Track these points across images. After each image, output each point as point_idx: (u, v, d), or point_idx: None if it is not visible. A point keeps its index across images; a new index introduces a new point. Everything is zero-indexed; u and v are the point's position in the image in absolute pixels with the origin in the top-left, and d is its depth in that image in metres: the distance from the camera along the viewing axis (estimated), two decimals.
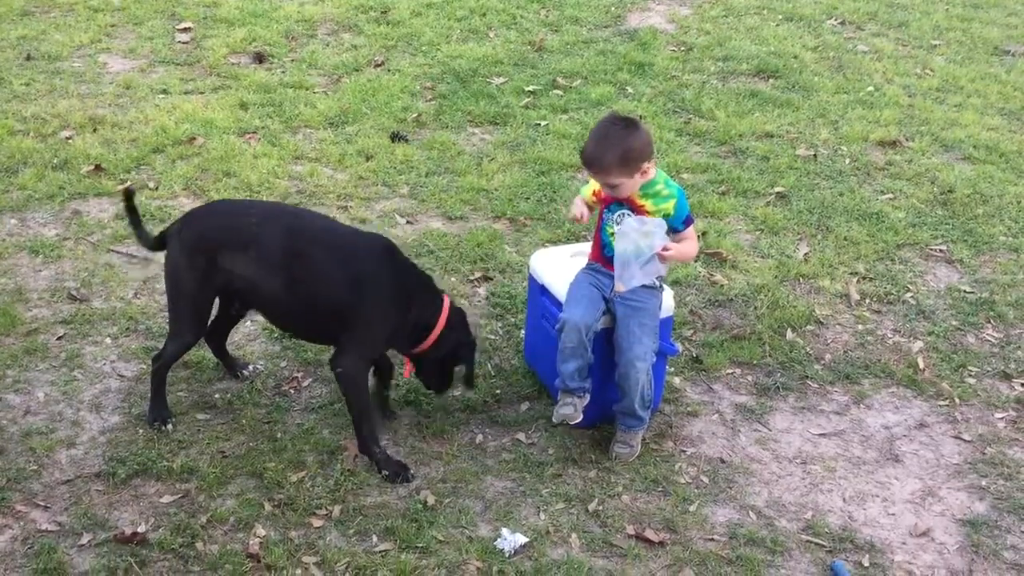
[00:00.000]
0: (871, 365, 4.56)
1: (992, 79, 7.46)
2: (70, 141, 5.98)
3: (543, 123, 6.47)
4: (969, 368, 4.57)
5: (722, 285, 5.00)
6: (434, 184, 5.74)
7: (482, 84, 6.94)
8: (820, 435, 4.17)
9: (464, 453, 3.95)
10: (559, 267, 4.13)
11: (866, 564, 3.58)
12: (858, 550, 3.64)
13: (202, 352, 4.33)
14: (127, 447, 3.87)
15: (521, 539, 3.55)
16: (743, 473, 3.95)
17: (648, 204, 3.79)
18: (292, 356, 4.42)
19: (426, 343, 3.96)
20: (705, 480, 3.89)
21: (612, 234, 3.81)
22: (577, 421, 3.92)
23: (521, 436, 4.05)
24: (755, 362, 4.53)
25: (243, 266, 3.78)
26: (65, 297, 4.68)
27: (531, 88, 6.93)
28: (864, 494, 3.89)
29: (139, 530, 3.49)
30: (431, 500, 3.69)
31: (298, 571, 3.40)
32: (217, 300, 3.97)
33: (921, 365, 4.56)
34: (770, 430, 4.18)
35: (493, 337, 4.58)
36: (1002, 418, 4.31)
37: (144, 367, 4.23)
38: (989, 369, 4.58)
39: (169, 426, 3.96)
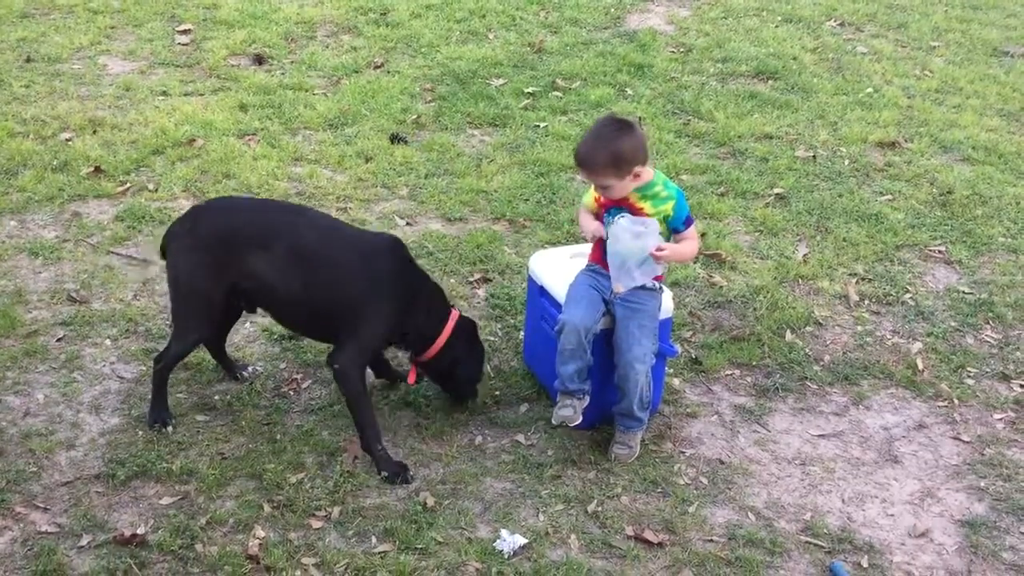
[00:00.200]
0: (870, 366, 4.56)
1: (991, 80, 7.47)
2: (70, 143, 5.98)
3: (542, 124, 6.48)
4: (968, 369, 4.57)
5: (721, 286, 5.01)
6: (433, 186, 5.74)
7: (481, 86, 6.95)
8: (819, 436, 4.18)
9: (463, 454, 3.96)
10: (558, 268, 4.13)
11: (865, 565, 3.58)
12: (857, 551, 3.64)
13: (201, 354, 4.33)
14: (127, 449, 3.87)
15: (520, 540, 3.55)
16: (742, 474, 3.95)
17: (647, 206, 3.79)
18: (291, 358, 4.42)
19: (429, 352, 3.98)
20: (704, 481, 3.90)
21: None
22: (576, 423, 3.92)
23: (520, 437, 4.06)
24: (754, 363, 4.54)
25: (256, 263, 3.79)
26: (65, 299, 4.69)
27: (530, 90, 6.94)
28: (863, 495, 3.89)
29: (139, 532, 3.50)
30: (430, 501, 3.70)
31: (297, 572, 3.40)
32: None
33: (920, 366, 4.56)
34: (769, 431, 4.19)
35: (492, 338, 4.58)
36: (1001, 419, 4.31)
37: (144, 369, 4.23)
38: (988, 370, 4.58)
39: (169, 428, 3.96)
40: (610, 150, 3.68)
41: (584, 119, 6.50)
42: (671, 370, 4.41)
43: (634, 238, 3.72)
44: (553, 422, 3.96)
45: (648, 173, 3.80)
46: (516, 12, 8.26)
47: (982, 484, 3.97)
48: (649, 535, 3.61)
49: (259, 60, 7.18)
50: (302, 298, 3.85)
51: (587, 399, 3.93)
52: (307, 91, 6.77)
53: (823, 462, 4.04)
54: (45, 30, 7.53)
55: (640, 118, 6.48)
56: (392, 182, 5.77)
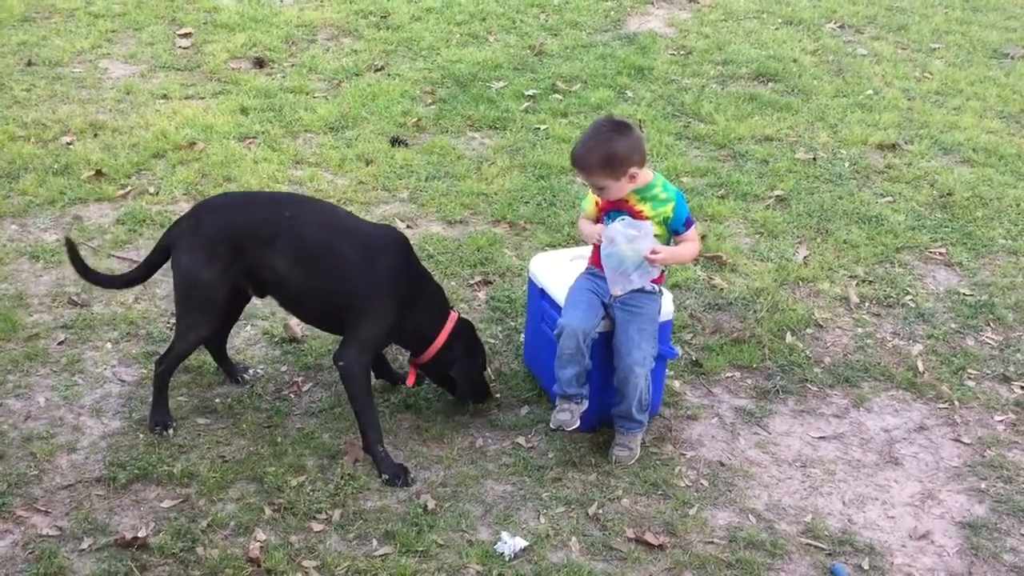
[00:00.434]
0: (871, 368, 4.56)
1: (991, 82, 7.48)
2: (71, 146, 5.99)
3: (543, 127, 6.48)
4: (969, 371, 4.57)
5: (722, 288, 5.01)
6: (434, 188, 5.75)
7: (482, 88, 6.95)
8: (820, 438, 4.18)
9: (464, 457, 3.96)
10: (559, 271, 4.14)
11: (866, 567, 3.58)
12: (858, 553, 3.64)
13: (202, 357, 4.33)
14: (128, 452, 3.88)
15: (521, 543, 3.55)
16: (743, 476, 3.95)
17: (647, 208, 3.80)
18: (292, 360, 4.43)
19: (428, 353, 3.99)
20: (705, 483, 3.90)
21: None
22: (574, 427, 3.93)
23: (521, 440, 4.06)
24: (755, 365, 4.54)
25: (264, 253, 3.80)
26: (66, 302, 4.69)
27: (531, 92, 6.95)
28: (864, 497, 3.89)
29: (140, 535, 3.50)
30: (431, 504, 3.70)
31: (298, 575, 3.40)
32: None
33: (921, 368, 4.57)
34: (770, 433, 4.19)
35: (493, 341, 4.58)
36: (1002, 421, 4.31)
37: (145, 372, 4.24)
38: (989, 372, 4.59)
39: (170, 431, 3.96)
40: (604, 151, 3.68)
41: (584, 121, 6.50)
42: (671, 372, 4.41)
43: (628, 241, 3.72)
44: (551, 426, 3.96)
45: (647, 175, 3.80)
46: (516, 15, 8.26)
47: (983, 486, 3.97)
48: (650, 537, 3.61)
49: (260, 63, 7.19)
50: (309, 291, 3.87)
51: (585, 403, 3.93)
52: (307, 94, 6.78)
53: (824, 464, 4.04)
54: (46, 34, 7.54)
55: (640, 121, 6.49)
56: (392, 185, 5.77)
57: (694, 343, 4.65)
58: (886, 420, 4.29)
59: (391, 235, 4.03)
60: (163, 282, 4.67)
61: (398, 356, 4.45)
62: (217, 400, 4.19)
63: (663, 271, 3.95)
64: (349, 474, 3.81)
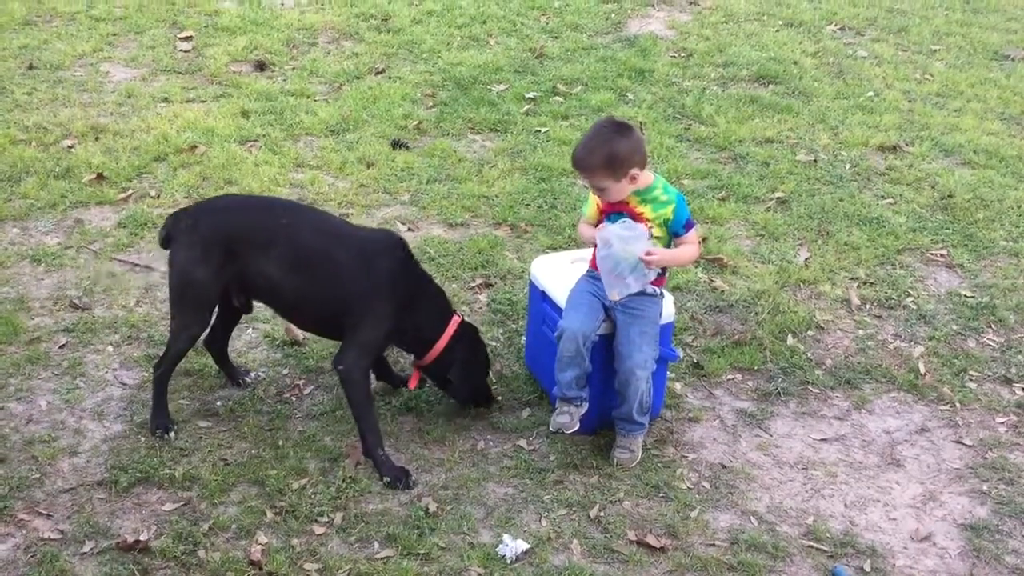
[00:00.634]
0: (872, 370, 4.56)
1: (992, 84, 7.47)
2: (72, 150, 5.99)
3: (544, 130, 6.48)
4: (970, 373, 4.57)
5: (723, 291, 5.01)
6: (435, 191, 5.75)
7: (483, 91, 6.96)
8: (821, 440, 4.17)
9: (465, 459, 3.96)
10: (560, 273, 4.14)
11: (868, 569, 3.58)
12: (860, 555, 3.64)
13: (204, 360, 4.34)
14: (129, 455, 3.88)
15: (522, 545, 3.55)
16: (744, 478, 3.95)
17: (647, 210, 3.80)
18: (294, 363, 4.43)
19: (429, 356, 3.99)
20: (706, 486, 3.90)
21: None
22: (574, 430, 3.93)
23: (522, 442, 4.06)
24: (756, 368, 4.54)
25: (258, 258, 3.81)
26: (67, 306, 4.69)
27: (532, 95, 6.95)
28: (865, 499, 3.89)
29: (141, 538, 3.50)
30: (433, 507, 3.70)
31: None
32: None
33: (922, 370, 4.56)
34: (771, 435, 4.19)
35: (494, 343, 4.58)
36: (1003, 422, 4.31)
37: (146, 375, 4.24)
38: (990, 373, 4.58)
39: (171, 434, 3.97)
40: (606, 151, 3.68)
41: (585, 124, 6.50)
42: (672, 374, 4.41)
43: (623, 243, 3.72)
44: (551, 428, 3.96)
45: (648, 177, 3.80)
46: (517, 18, 8.27)
47: (984, 488, 3.97)
48: (651, 540, 3.61)
49: (260, 66, 7.20)
50: (305, 298, 3.88)
51: (585, 406, 3.93)
52: (308, 97, 6.78)
53: (825, 466, 4.04)
54: (47, 37, 7.54)
55: (641, 123, 6.49)
56: (394, 188, 5.78)
57: (695, 345, 4.65)
58: (887, 422, 4.29)
59: (387, 239, 4.04)
60: (164, 286, 4.66)
61: (400, 359, 4.45)
62: (219, 403, 4.19)
63: (664, 274, 3.95)
64: (350, 477, 3.81)
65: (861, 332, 4.80)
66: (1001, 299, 5.06)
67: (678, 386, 4.39)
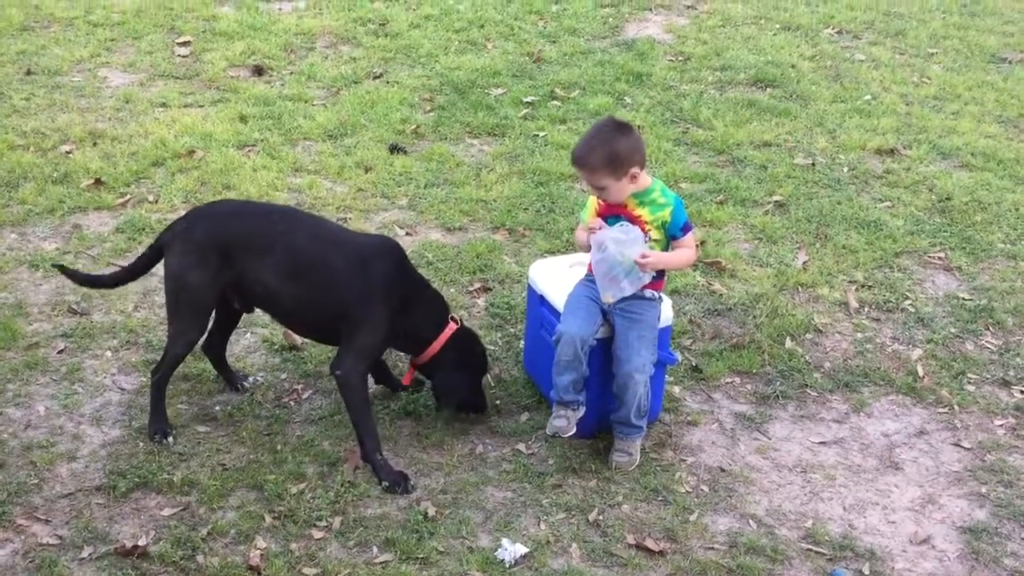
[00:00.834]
0: (870, 373, 4.56)
1: (989, 87, 7.49)
2: (70, 155, 6.00)
3: (542, 134, 6.49)
4: (968, 375, 4.57)
5: (721, 294, 5.01)
6: (433, 195, 5.75)
7: (480, 95, 6.96)
8: (820, 443, 4.18)
9: (464, 463, 3.96)
10: (558, 277, 4.14)
11: (867, 572, 3.58)
12: (858, 558, 3.64)
13: (202, 365, 4.34)
14: (128, 460, 3.88)
15: (521, 549, 3.55)
16: (743, 482, 3.95)
17: (645, 212, 3.80)
18: (292, 368, 4.43)
19: (423, 357, 4.00)
20: (705, 489, 3.90)
21: None
22: (570, 434, 3.93)
23: (521, 446, 4.06)
24: (754, 371, 4.54)
25: (254, 265, 3.82)
26: (65, 311, 4.69)
27: (529, 99, 6.95)
28: (864, 502, 3.89)
29: (140, 543, 3.50)
30: (431, 511, 3.70)
31: None
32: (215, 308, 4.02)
33: (920, 373, 4.57)
34: (770, 439, 4.19)
35: (493, 348, 4.58)
36: (1002, 425, 4.31)
37: (144, 380, 4.23)
38: (988, 376, 4.59)
39: (169, 439, 3.97)
40: (607, 149, 3.68)
41: (583, 128, 6.49)
42: (671, 378, 4.41)
43: (618, 246, 3.72)
44: (547, 432, 3.96)
45: (646, 180, 3.80)
46: (514, 22, 8.28)
47: (983, 490, 3.97)
48: (650, 543, 3.61)
49: (258, 71, 7.20)
50: (301, 303, 3.88)
51: (582, 410, 3.93)
52: (306, 102, 6.79)
53: (824, 469, 4.04)
54: (45, 43, 7.55)
55: (639, 127, 6.49)
56: (392, 192, 5.78)
57: (694, 349, 4.66)
58: (886, 425, 4.29)
59: (383, 244, 4.04)
60: (162, 290, 4.66)
61: (398, 363, 4.45)
62: (217, 408, 4.19)
63: (662, 277, 3.95)
64: (349, 481, 3.81)
65: (859, 335, 4.81)
66: (999, 301, 5.07)
67: (677, 390, 4.40)
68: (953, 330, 4.86)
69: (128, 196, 5.62)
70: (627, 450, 3.96)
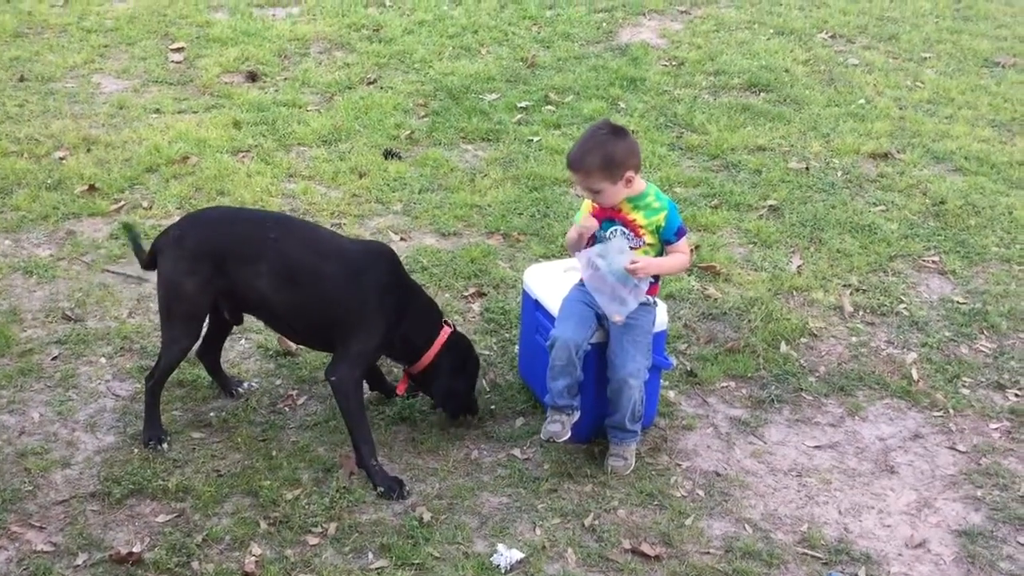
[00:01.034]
0: (865, 377, 4.57)
1: (982, 91, 7.50)
2: (64, 161, 5.99)
3: (536, 139, 6.49)
4: (963, 379, 4.58)
5: (716, 298, 5.01)
6: (427, 201, 5.75)
7: (475, 101, 6.97)
8: (815, 447, 4.18)
9: (459, 469, 3.95)
10: (553, 282, 4.14)
11: None
12: (854, 562, 3.64)
13: (197, 371, 4.33)
14: (122, 467, 3.87)
15: (517, 555, 3.55)
16: (739, 486, 3.95)
17: (639, 216, 3.80)
18: (287, 374, 4.42)
19: (420, 364, 4.00)
20: (701, 494, 3.89)
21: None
22: (565, 439, 3.92)
23: (516, 451, 4.05)
24: (749, 375, 4.54)
25: (246, 272, 3.81)
26: (59, 317, 4.68)
27: (523, 104, 6.96)
28: (860, 506, 3.89)
29: (135, 550, 3.49)
30: (427, 516, 3.69)
31: None
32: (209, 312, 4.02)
33: (915, 376, 4.57)
34: (765, 443, 4.19)
35: (487, 353, 4.58)
36: (997, 428, 4.31)
37: (139, 386, 4.23)
38: (983, 380, 4.59)
39: (164, 445, 3.96)
40: (603, 152, 3.68)
41: (577, 133, 6.50)
42: (666, 383, 4.41)
43: (605, 260, 3.69)
44: (542, 437, 3.96)
45: (641, 184, 3.80)
46: (508, 27, 8.28)
47: (979, 494, 3.97)
48: (646, 548, 3.60)
49: (252, 77, 7.20)
50: (294, 310, 3.88)
51: (577, 415, 3.93)
52: (300, 107, 6.79)
53: (819, 473, 4.04)
54: (38, 49, 7.54)
55: (633, 131, 6.48)
56: (386, 197, 5.78)
57: (688, 353, 4.66)
58: (881, 429, 4.29)
59: (376, 250, 4.04)
60: (155, 297, 4.66)
61: (392, 369, 4.45)
62: (211, 414, 4.18)
63: (657, 282, 3.95)
64: (344, 487, 3.80)
65: (854, 339, 4.81)
66: (993, 305, 5.07)
67: (672, 394, 4.40)
68: (947, 334, 4.87)
69: (122, 202, 5.61)
70: (622, 455, 3.96)
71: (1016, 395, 4.50)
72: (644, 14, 8.77)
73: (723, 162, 6.34)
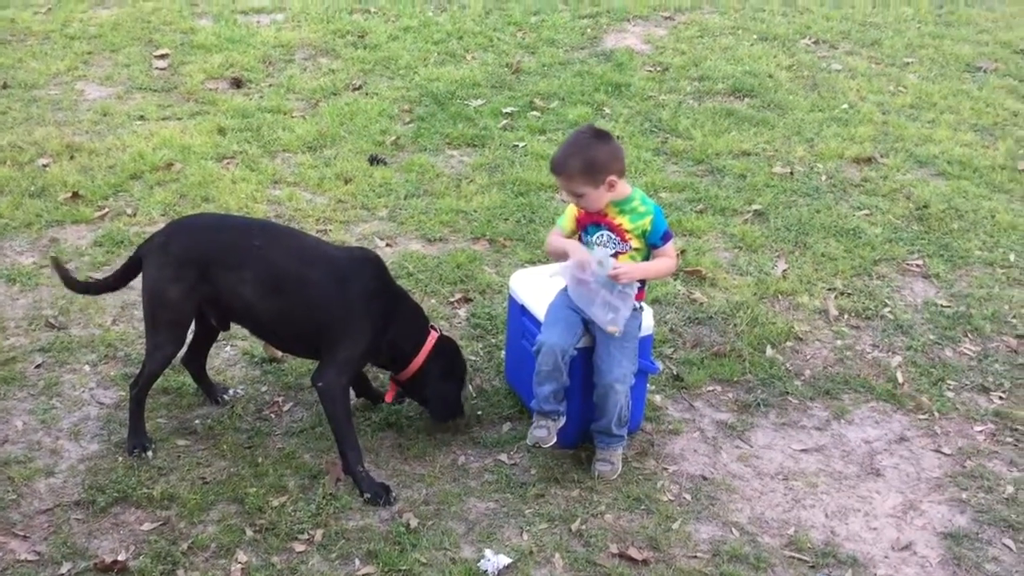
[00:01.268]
0: (851, 380, 4.58)
1: (964, 95, 7.55)
2: (47, 169, 5.96)
3: (521, 144, 6.50)
4: (948, 382, 4.60)
5: (701, 303, 5.02)
6: (413, 206, 5.75)
7: (460, 106, 6.97)
8: (801, 451, 4.18)
9: (446, 474, 3.95)
10: (539, 287, 4.13)
11: None
12: (841, 565, 3.65)
13: (182, 378, 4.31)
14: (107, 475, 3.84)
15: (504, 560, 3.54)
16: (725, 490, 3.95)
17: (625, 221, 3.80)
18: (272, 380, 4.41)
19: (407, 372, 3.99)
20: (688, 498, 3.90)
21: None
22: (550, 444, 3.92)
23: (503, 457, 4.05)
24: (735, 379, 4.55)
25: (231, 280, 3.80)
26: (43, 325, 4.66)
27: (509, 110, 6.96)
28: (846, 509, 3.90)
29: (119, 558, 3.47)
30: (414, 522, 3.68)
31: None
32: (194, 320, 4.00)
33: (900, 379, 4.59)
34: (751, 447, 4.19)
35: (474, 358, 4.58)
36: (981, 431, 4.33)
37: (123, 394, 4.20)
38: (967, 382, 4.61)
39: (149, 453, 3.94)
40: (584, 156, 3.68)
41: (562, 138, 6.47)
42: (653, 387, 4.42)
43: (581, 271, 3.68)
44: (528, 442, 3.95)
45: (625, 188, 3.81)
46: (493, 33, 8.29)
47: (964, 496, 3.98)
48: (633, 552, 3.60)
49: (237, 84, 7.18)
50: (280, 318, 3.86)
51: (562, 420, 3.93)
52: (285, 114, 6.77)
53: (806, 476, 4.05)
54: (21, 56, 7.51)
55: (618, 137, 6.50)
56: (372, 203, 5.77)
57: (675, 357, 4.66)
58: (867, 432, 4.31)
59: (363, 256, 4.03)
60: (141, 304, 4.64)
61: (379, 375, 4.44)
62: (197, 421, 4.16)
63: (643, 287, 3.94)
64: (331, 494, 3.79)
65: (839, 342, 4.82)
66: (977, 308, 5.10)
67: (658, 398, 4.40)
68: (932, 337, 4.89)
69: (106, 209, 5.58)
70: (609, 459, 3.96)
71: (1000, 398, 4.52)
72: (628, 20, 8.79)
73: (708, 167, 6.35)
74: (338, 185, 5.93)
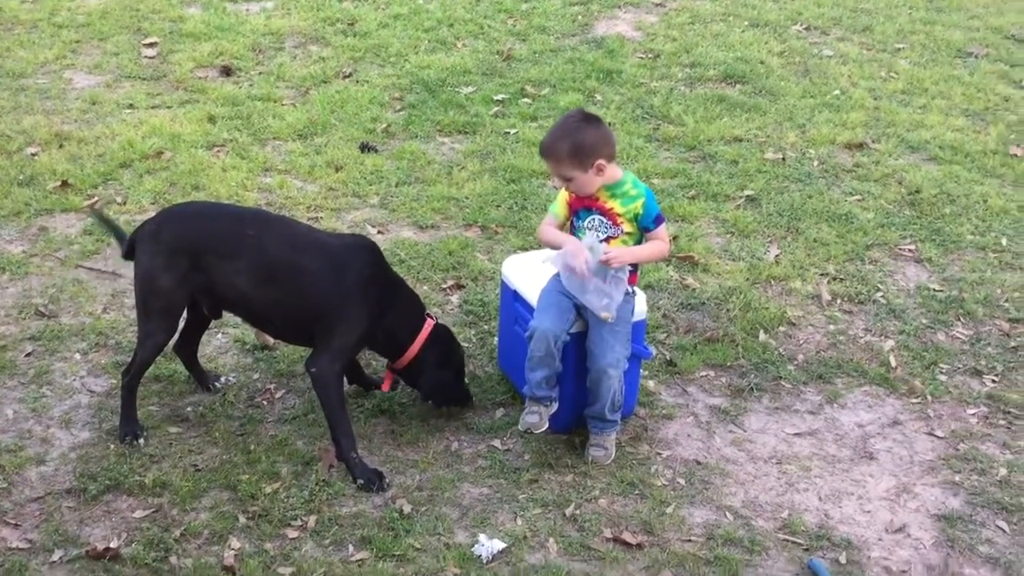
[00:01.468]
0: (844, 364, 4.58)
1: (956, 81, 7.54)
2: (36, 157, 5.92)
3: (512, 131, 6.48)
4: (940, 365, 4.60)
5: (694, 288, 5.02)
6: (404, 194, 5.73)
7: (451, 94, 6.94)
8: (795, 435, 4.19)
9: (440, 460, 3.94)
10: (531, 273, 4.12)
11: (843, 561, 3.59)
12: (835, 547, 3.65)
13: (173, 365, 4.29)
14: (98, 463, 3.83)
15: (498, 545, 3.54)
16: (719, 474, 3.95)
17: (616, 204, 3.79)
18: (264, 368, 4.39)
19: (403, 360, 3.98)
20: (681, 482, 3.90)
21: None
22: (543, 429, 3.91)
23: (496, 442, 4.04)
24: (729, 364, 4.54)
25: (223, 269, 3.78)
26: (33, 313, 4.63)
27: (500, 97, 6.94)
28: (840, 492, 3.90)
29: (111, 545, 3.46)
30: (407, 508, 3.68)
31: None
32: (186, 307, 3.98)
33: (893, 363, 4.59)
34: (745, 431, 4.19)
35: (467, 344, 4.56)
36: (974, 414, 4.34)
37: (114, 382, 4.19)
38: (960, 366, 4.61)
39: (140, 440, 3.92)
40: (573, 140, 3.67)
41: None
42: (646, 372, 4.41)
43: (574, 258, 3.67)
44: (520, 428, 3.95)
45: (616, 172, 3.80)
46: (484, 20, 8.26)
47: (957, 479, 3.99)
48: (628, 537, 3.60)
49: (226, 72, 7.15)
50: (274, 306, 3.85)
51: (555, 405, 3.93)
52: (275, 102, 6.74)
53: (799, 460, 4.05)
54: (9, 45, 7.46)
55: (609, 124, 6.49)
56: (363, 191, 5.75)
57: (668, 343, 4.66)
58: (860, 415, 4.31)
59: (358, 243, 4.01)
60: (131, 292, 4.61)
61: (372, 362, 4.43)
62: (189, 409, 4.15)
63: (636, 271, 3.94)
64: (324, 480, 3.78)
65: (832, 327, 4.82)
66: (969, 292, 5.10)
67: (651, 383, 4.39)
68: (924, 321, 4.89)
69: (96, 198, 5.56)
70: (602, 444, 3.95)
71: (993, 381, 4.53)
72: (619, 7, 8.76)
73: (700, 153, 6.34)
74: (329, 173, 5.91)
